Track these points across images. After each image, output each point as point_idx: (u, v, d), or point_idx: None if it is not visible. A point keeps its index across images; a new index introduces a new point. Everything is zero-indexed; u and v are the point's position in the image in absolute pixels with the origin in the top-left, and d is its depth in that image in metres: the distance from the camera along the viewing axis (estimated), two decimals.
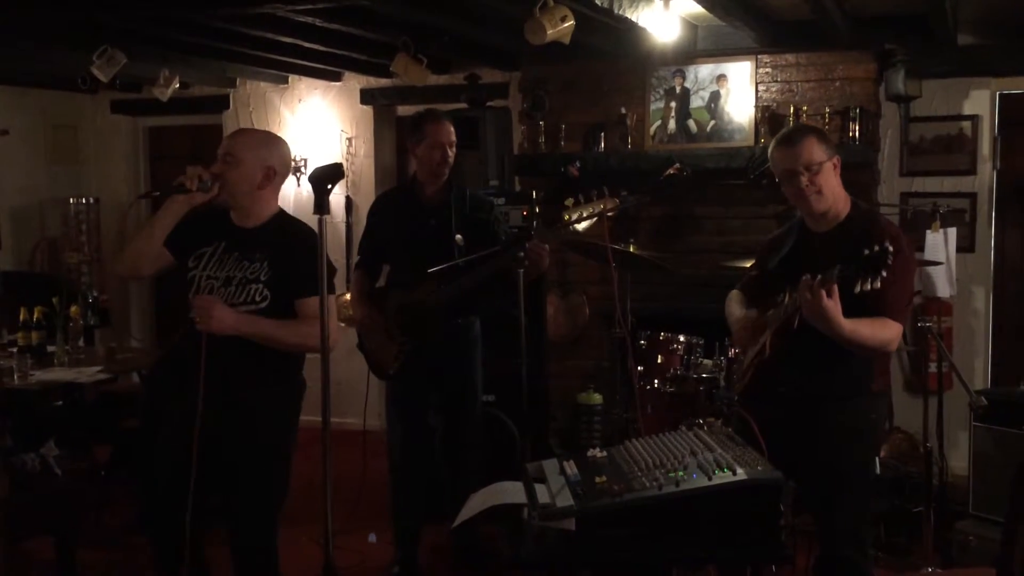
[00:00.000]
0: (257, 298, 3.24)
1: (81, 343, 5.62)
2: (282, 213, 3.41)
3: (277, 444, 3.36)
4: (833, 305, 2.84)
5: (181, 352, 3.38)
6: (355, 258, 4.59)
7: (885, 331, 3.02)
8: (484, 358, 4.49)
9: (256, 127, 7.45)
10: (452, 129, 4.23)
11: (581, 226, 3.67)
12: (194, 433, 3.15)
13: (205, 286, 3.27)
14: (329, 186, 2.71)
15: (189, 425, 3.18)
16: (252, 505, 3.33)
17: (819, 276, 2.86)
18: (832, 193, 3.13)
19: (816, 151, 3.09)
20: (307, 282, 3.19)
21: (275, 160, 3.31)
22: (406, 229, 4.28)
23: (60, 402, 5.18)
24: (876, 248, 2.71)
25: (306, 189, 6.81)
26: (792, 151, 3.11)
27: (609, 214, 3.75)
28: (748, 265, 3.76)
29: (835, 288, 2.83)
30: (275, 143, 3.39)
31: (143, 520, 3.69)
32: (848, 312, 2.88)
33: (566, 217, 3.66)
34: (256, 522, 3.35)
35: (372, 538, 4.66)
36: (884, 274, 2.72)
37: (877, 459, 4.70)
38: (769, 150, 3.24)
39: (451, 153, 4.21)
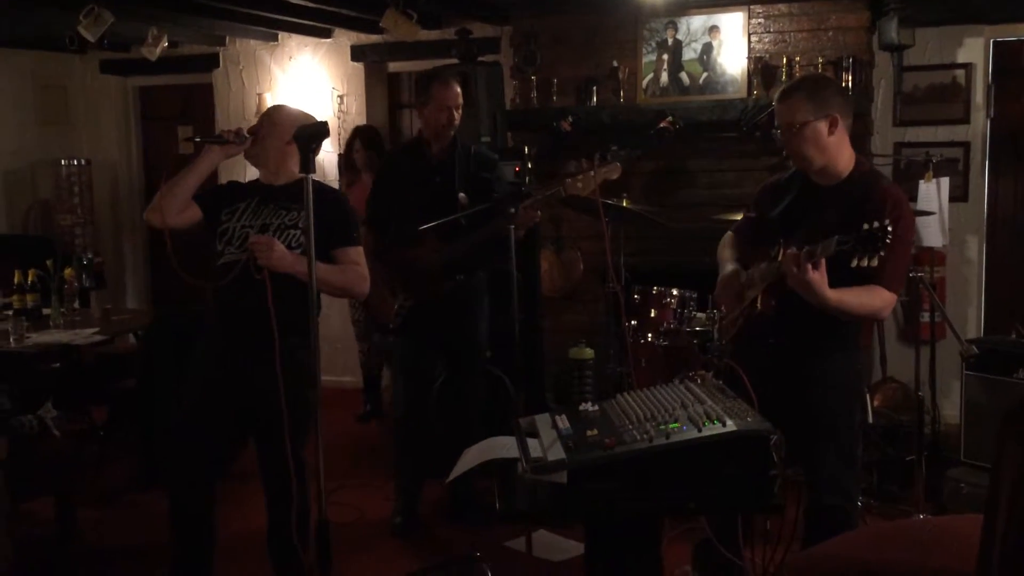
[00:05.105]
0: (293, 244, 3.40)
1: (76, 305, 5.62)
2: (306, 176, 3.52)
3: (310, 374, 3.40)
4: (818, 278, 2.81)
5: (220, 302, 3.47)
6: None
7: (874, 300, 2.97)
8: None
9: (247, 85, 7.42)
10: (459, 91, 4.32)
11: (589, 186, 3.74)
12: (241, 380, 3.37)
13: (239, 234, 3.43)
14: (314, 144, 2.76)
15: (233, 372, 3.39)
16: (297, 435, 3.41)
17: (806, 248, 2.84)
18: (820, 152, 3.04)
19: (800, 111, 3.01)
20: (344, 233, 3.49)
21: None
22: (412, 187, 4.33)
23: (57, 364, 5.20)
24: (875, 225, 2.65)
25: None
26: (779, 107, 3.09)
27: (613, 178, 3.82)
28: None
29: (821, 261, 2.80)
30: (308, 116, 3.58)
31: (160, 471, 3.76)
32: (841, 277, 2.85)
33: (570, 182, 3.72)
34: (297, 451, 3.44)
35: None
36: (882, 253, 2.66)
37: (870, 408, 4.78)
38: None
39: (457, 115, 4.31)
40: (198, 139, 3.47)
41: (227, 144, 3.42)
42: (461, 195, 4.23)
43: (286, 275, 3.28)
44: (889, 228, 2.64)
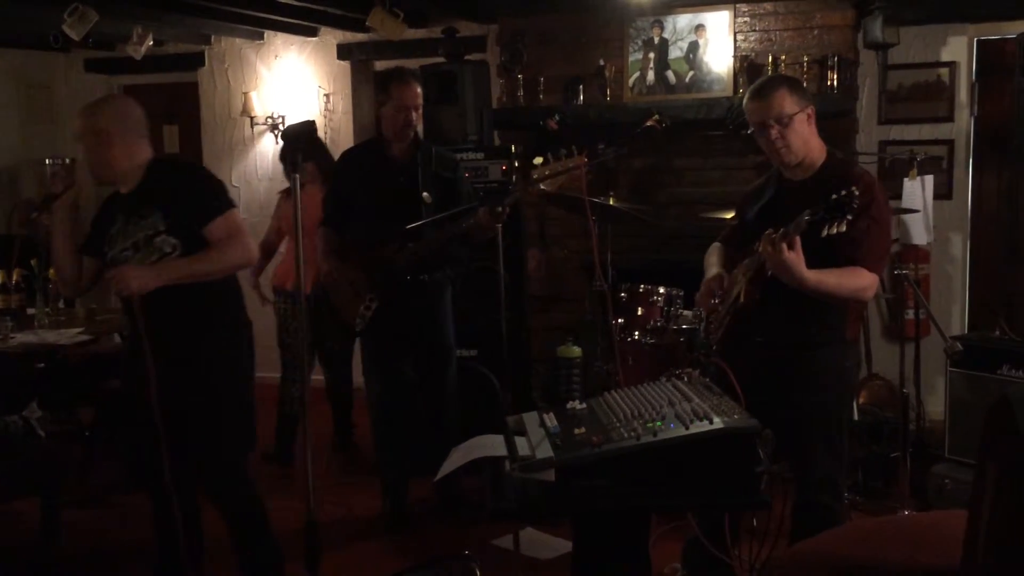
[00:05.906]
0: (167, 248, 3.26)
1: (61, 305, 5.59)
2: (154, 160, 3.41)
3: (224, 389, 3.39)
4: (795, 257, 2.85)
5: (129, 326, 3.48)
6: None
7: (855, 280, 3.00)
8: (466, 313, 4.53)
9: (232, 84, 7.39)
10: (419, 91, 4.27)
11: (556, 181, 3.70)
12: (149, 396, 3.22)
13: (121, 260, 3.31)
14: (302, 144, 2.74)
15: (143, 389, 3.26)
16: (209, 453, 3.39)
17: (781, 229, 2.87)
18: (804, 144, 3.13)
19: (787, 103, 3.09)
20: (202, 209, 3.26)
21: (102, 121, 3.31)
22: (374, 186, 4.30)
23: (42, 364, 5.17)
24: (843, 192, 2.71)
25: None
26: (762, 104, 3.12)
27: (578, 171, 3.78)
28: (728, 216, 3.78)
29: (796, 240, 2.84)
30: (100, 104, 3.42)
31: (134, 476, 3.76)
32: (822, 261, 2.89)
33: (535, 176, 3.69)
34: (217, 468, 3.42)
35: None
36: (849, 217, 2.73)
37: (855, 405, 4.79)
38: (743, 101, 3.23)
39: (416, 116, 4.27)
40: (34, 215, 3.39)
41: (62, 194, 3.33)
42: (425, 195, 4.23)
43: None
44: (856, 192, 2.69)
